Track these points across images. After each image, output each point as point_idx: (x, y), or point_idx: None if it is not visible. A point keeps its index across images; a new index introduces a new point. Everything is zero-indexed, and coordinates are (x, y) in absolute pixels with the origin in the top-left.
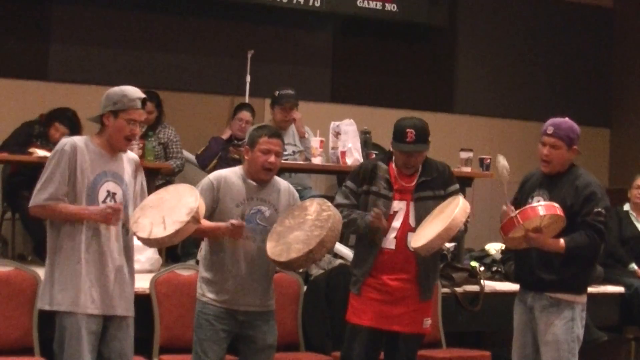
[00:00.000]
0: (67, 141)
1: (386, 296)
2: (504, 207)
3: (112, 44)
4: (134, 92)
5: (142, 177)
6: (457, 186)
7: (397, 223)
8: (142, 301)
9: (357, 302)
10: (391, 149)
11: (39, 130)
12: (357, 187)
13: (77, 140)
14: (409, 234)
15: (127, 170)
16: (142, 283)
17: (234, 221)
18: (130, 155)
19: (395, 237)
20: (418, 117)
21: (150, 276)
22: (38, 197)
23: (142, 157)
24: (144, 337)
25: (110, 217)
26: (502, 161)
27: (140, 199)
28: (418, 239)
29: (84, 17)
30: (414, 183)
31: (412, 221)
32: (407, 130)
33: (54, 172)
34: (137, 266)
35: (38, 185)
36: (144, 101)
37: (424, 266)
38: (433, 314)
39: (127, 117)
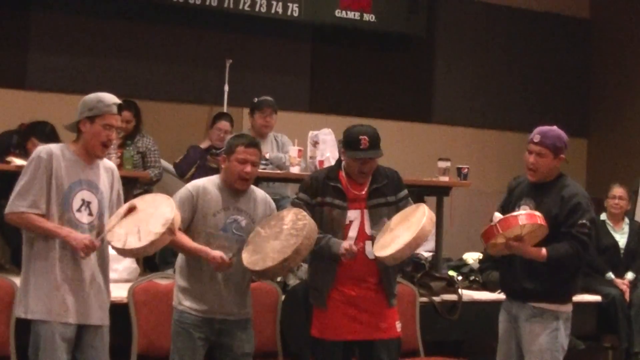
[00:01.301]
0: (42, 148)
1: (352, 307)
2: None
3: (90, 52)
4: (110, 97)
5: (119, 186)
6: (406, 192)
7: (353, 233)
8: (120, 310)
9: (323, 317)
10: (341, 158)
11: (17, 140)
12: (310, 198)
13: (53, 147)
14: (367, 242)
15: (103, 179)
16: (120, 292)
17: (225, 257)
18: (107, 164)
19: None
20: (368, 124)
21: (128, 285)
22: (15, 204)
23: (120, 166)
24: (122, 346)
25: (83, 249)
26: (498, 215)
27: (117, 207)
28: (383, 248)
29: (62, 26)
30: (365, 191)
31: (368, 229)
32: (361, 137)
33: (32, 180)
34: (115, 275)
35: (15, 193)
36: (120, 107)
37: (385, 273)
38: (412, 322)
39: (103, 123)
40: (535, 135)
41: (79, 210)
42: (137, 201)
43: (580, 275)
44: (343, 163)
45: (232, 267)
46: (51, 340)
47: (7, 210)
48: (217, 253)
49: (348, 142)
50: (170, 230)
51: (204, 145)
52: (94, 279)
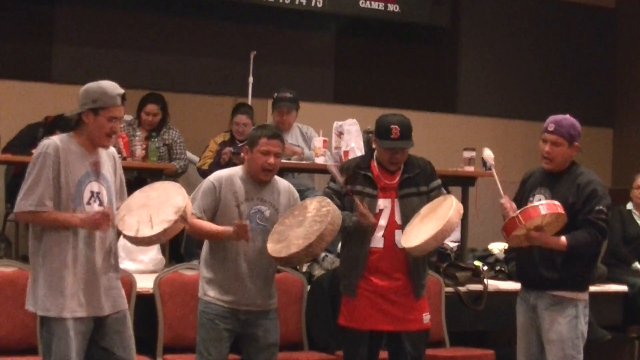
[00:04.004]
0: (48, 143)
1: (380, 298)
2: (502, 200)
3: (115, 45)
4: (113, 88)
5: (121, 172)
6: (439, 181)
7: (383, 221)
8: (146, 301)
9: (352, 305)
10: (373, 147)
11: (43, 133)
12: (340, 187)
13: (58, 141)
14: (396, 231)
15: (107, 166)
16: (146, 283)
17: (237, 221)
18: (109, 150)
19: (383, 236)
20: (411, 114)
21: (154, 276)
22: (23, 203)
23: (145, 157)
24: (148, 337)
25: (100, 223)
26: (487, 151)
27: (121, 193)
28: (410, 239)
29: (87, 19)
30: (396, 180)
31: (398, 219)
32: (392, 126)
33: (39, 177)
34: (140, 266)
35: (22, 191)
36: (123, 97)
37: (414, 263)
38: (437, 312)
39: (107, 115)
40: (550, 124)
41: (88, 202)
42: (148, 189)
43: (597, 262)
44: (375, 152)
45: (250, 235)
46: (65, 336)
47: (15, 209)
48: (230, 226)
49: (379, 131)
50: (182, 218)
51: (220, 139)
52: (105, 268)
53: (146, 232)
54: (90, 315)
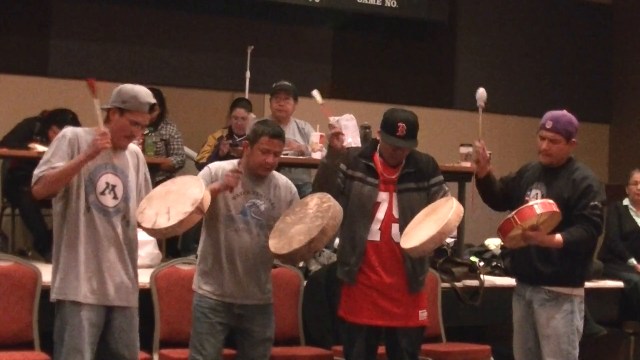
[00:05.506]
0: (69, 129)
1: (377, 292)
2: (477, 144)
3: (112, 39)
4: (145, 95)
5: (145, 169)
6: (441, 178)
7: (380, 214)
8: (142, 296)
9: (350, 298)
10: (377, 138)
11: (39, 127)
12: (347, 169)
13: (79, 130)
14: (393, 225)
15: (129, 163)
16: (143, 278)
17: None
18: (132, 147)
19: (379, 229)
20: (409, 110)
21: (150, 271)
22: (35, 174)
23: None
24: (144, 331)
25: (101, 143)
26: (481, 90)
27: (145, 190)
28: (409, 240)
29: (84, 13)
30: (397, 174)
31: (395, 212)
32: (399, 123)
33: (55, 153)
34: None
35: (38, 167)
36: (152, 107)
37: (411, 259)
38: (433, 308)
39: (131, 118)
40: (547, 121)
41: (102, 193)
42: (169, 183)
43: (593, 257)
44: (379, 144)
45: (239, 224)
46: (78, 324)
47: (32, 184)
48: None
49: (385, 126)
50: (199, 210)
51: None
52: (122, 261)
53: (162, 223)
54: (102, 303)
